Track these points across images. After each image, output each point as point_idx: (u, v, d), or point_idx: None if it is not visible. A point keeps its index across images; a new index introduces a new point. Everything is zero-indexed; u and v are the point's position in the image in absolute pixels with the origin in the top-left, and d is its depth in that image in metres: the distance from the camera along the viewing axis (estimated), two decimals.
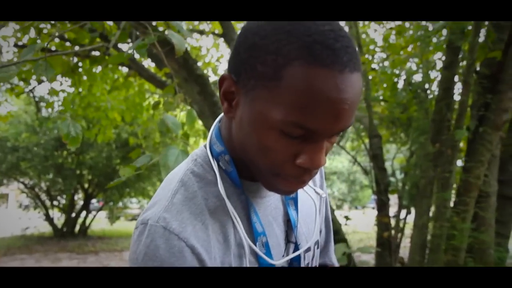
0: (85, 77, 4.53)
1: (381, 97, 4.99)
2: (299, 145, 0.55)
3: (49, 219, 11.77)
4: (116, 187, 11.54)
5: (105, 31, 3.85)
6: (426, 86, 4.16)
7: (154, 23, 1.96)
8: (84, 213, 12.23)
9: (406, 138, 4.36)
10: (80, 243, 10.66)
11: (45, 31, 3.65)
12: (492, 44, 2.80)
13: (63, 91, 5.26)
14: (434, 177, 2.88)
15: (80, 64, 4.18)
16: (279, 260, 0.66)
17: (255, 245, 0.63)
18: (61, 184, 11.02)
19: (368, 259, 5.09)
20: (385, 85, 4.91)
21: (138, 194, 13.19)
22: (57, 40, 3.94)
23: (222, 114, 0.68)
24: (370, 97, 4.59)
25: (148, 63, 5.40)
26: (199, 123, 6.04)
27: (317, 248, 0.78)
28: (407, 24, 5.06)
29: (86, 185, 11.87)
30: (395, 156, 4.85)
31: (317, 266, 0.80)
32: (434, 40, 3.97)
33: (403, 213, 4.22)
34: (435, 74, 4.34)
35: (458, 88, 3.07)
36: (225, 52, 7.04)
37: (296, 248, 0.70)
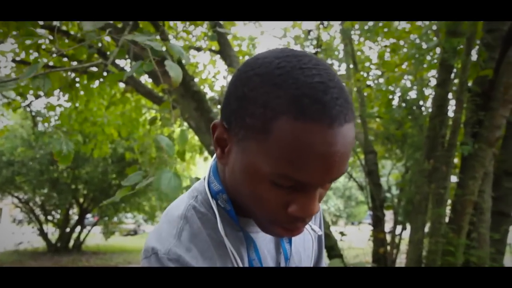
0: (82, 92, 4.56)
1: (376, 114, 5.04)
2: (291, 194, 0.55)
3: (43, 234, 11.65)
4: (111, 202, 11.46)
5: (103, 47, 3.89)
6: (421, 103, 4.22)
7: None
8: (78, 228, 12.12)
9: (401, 154, 4.39)
10: (74, 258, 10.54)
11: (43, 46, 3.68)
12: (484, 63, 2.86)
13: (60, 105, 5.27)
14: (429, 193, 2.90)
15: (77, 79, 4.21)
16: None
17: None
18: (56, 198, 10.94)
19: None
20: (380, 102, 4.96)
21: (133, 209, 13.10)
22: (54, 55, 3.96)
23: (215, 155, 0.68)
24: (365, 113, 4.64)
25: (145, 79, 5.44)
26: (195, 139, 6.06)
27: None
28: (401, 42, 5.14)
29: (81, 200, 11.79)
30: (390, 172, 4.87)
31: None
32: (428, 58, 4.04)
33: (398, 229, 4.22)
34: (429, 91, 4.40)
35: (451, 105, 3.12)
36: (222, 68, 7.10)
37: None
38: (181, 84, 3.16)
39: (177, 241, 0.59)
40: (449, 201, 2.91)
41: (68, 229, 11.96)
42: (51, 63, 4.13)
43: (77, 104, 5.00)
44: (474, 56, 2.94)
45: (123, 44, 1.80)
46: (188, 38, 5.62)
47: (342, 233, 4.11)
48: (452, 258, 2.63)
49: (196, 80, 5.85)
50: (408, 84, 4.89)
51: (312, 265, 0.80)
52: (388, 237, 4.18)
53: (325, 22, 5.11)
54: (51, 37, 2.77)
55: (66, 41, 3.77)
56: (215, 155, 0.68)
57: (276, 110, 0.50)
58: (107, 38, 4.00)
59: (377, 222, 4.23)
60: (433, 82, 4.31)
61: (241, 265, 0.62)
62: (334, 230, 4.10)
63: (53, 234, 12.19)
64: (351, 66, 5.30)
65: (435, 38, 3.82)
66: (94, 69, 3.81)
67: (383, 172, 5.04)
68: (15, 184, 10.57)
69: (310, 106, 0.49)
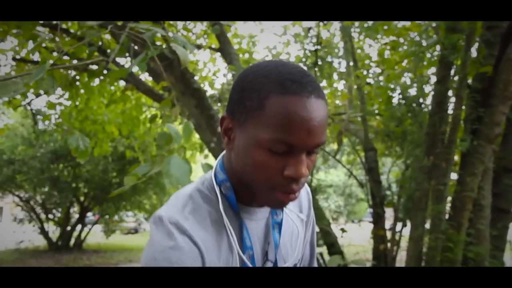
0: (82, 91, 4.56)
1: (376, 111, 5.04)
2: (284, 160, 0.69)
3: (44, 233, 11.67)
4: (112, 200, 11.48)
5: (103, 45, 3.89)
6: (421, 100, 4.22)
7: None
8: (79, 226, 12.13)
9: (401, 151, 4.39)
10: (75, 256, 10.56)
11: (43, 45, 3.69)
12: (483, 60, 2.86)
13: (60, 104, 5.28)
14: (428, 190, 2.90)
15: (77, 77, 4.21)
16: None
17: (244, 256, 0.76)
18: (56, 197, 10.95)
19: None
20: (380, 99, 4.96)
21: (134, 208, 13.11)
22: (55, 53, 3.97)
23: (224, 152, 0.83)
24: (366, 111, 4.64)
25: (145, 77, 5.44)
26: (196, 137, 6.06)
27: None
28: (401, 39, 5.14)
29: (82, 198, 11.80)
30: (390, 169, 4.87)
31: None
32: (428, 55, 4.04)
33: (398, 226, 4.22)
34: (429, 89, 4.40)
35: (451, 102, 3.12)
36: (222, 66, 7.10)
37: (275, 265, 0.83)
38: (181, 82, 3.17)
39: (180, 211, 0.73)
40: (449, 198, 2.92)
41: (69, 228, 11.98)
42: (51, 61, 4.13)
43: (77, 103, 5.01)
44: (473, 53, 2.94)
45: (123, 42, 1.80)
46: (188, 36, 5.62)
47: (343, 230, 4.11)
48: (451, 255, 2.63)
49: (196, 78, 5.85)
50: (408, 82, 4.89)
51: (300, 252, 0.91)
52: (389, 234, 4.19)
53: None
54: (51, 35, 2.77)
55: (67, 39, 3.77)
56: (221, 154, 0.84)
57: (267, 91, 0.67)
58: (107, 37, 4.00)
59: (377, 219, 4.23)
60: (433, 79, 4.31)
61: (235, 239, 0.75)
62: (335, 227, 4.11)
63: (54, 232, 12.21)
64: (351, 63, 5.30)
65: (434, 36, 3.82)
66: (94, 67, 3.82)
67: (383, 170, 5.04)
68: (16, 183, 10.58)
69: (291, 85, 0.66)
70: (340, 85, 6.33)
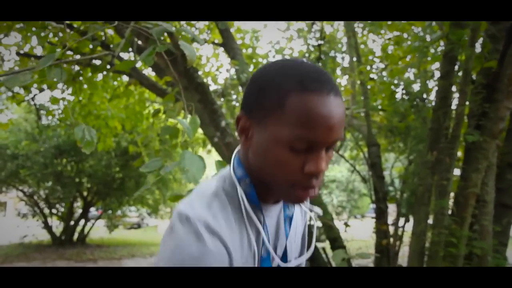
0: (85, 86, 4.56)
1: (379, 107, 5.03)
2: (304, 156, 0.70)
3: (47, 227, 11.72)
4: (114, 195, 11.52)
5: (106, 40, 3.89)
6: (424, 95, 4.21)
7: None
8: (82, 221, 12.18)
9: (405, 146, 4.38)
10: (78, 251, 10.61)
11: (47, 40, 3.69)
12: (488, 54, 2.85)
13: (63, 99, 5.28)
14: (432, 185, 2.90)
15: (81, 72, 4.21)
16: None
17: (261, 252, 0.79)
18: (60, 192, 10.98)
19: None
20: (383, 95, 4.95)
21: (137, 203, 13.15)
22: (58, 50, 3.96)
23: (237, 148, 0.85)
24: (369, 106, 4.63)
25: (149, 72, 5.44)
26: (199, 132, 6.07)
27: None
28: (405, 34, 5.12)
29: (85, 193, 11.84)
30: (393, 164, 4.87)
31: None
32: (432, 50, 4.02)
33: (401, 221, 4.23)
34: (432, 84, 4.39)
35: (455, 97, 3.11)
36: (225, 61, 7.09)
37: (285, 259, 0.85)
38: (185, 77, 3.17)
39: (207, 210, 0.72)
40: (452, 193, 2.92)
41: (72, 222, 12.02)
42: (58, 50, 4.13)
43: (80, 98, 5.01)
44: (478, 47, 2.93)
45: (127, 36, 1.80)
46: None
47: (346, 224, 4.12)
48: (454, 250, 2.63)
49: (200, 73, 5.85)
50: (412, 77, 4.87)
51: (302, 246, 0.96)
52: (391, 229, 4.19)
53: None
54: (60, 26, 2.77)
55: (71, 33, 3.77)
56: (235, 151, 0.85)
57: (286, 89, 0.68)
58: (110, 31, 4.00)
59: (380, 215, 4.23)
60: (437, 74, 4.30)
61: (253, 238, 0.76)
62: (338, 222, 4.11)
63: (57, 227, 12.26)
64: (355, 59, 5.28)
65: (439, 31, 3.80)
66: (98, 62, 3.82)
67: (386, 165, 5.03)
68: (20, 178, 10.62)
69: (311, 83, 0.68)
70: (344, 80, 6.32)
